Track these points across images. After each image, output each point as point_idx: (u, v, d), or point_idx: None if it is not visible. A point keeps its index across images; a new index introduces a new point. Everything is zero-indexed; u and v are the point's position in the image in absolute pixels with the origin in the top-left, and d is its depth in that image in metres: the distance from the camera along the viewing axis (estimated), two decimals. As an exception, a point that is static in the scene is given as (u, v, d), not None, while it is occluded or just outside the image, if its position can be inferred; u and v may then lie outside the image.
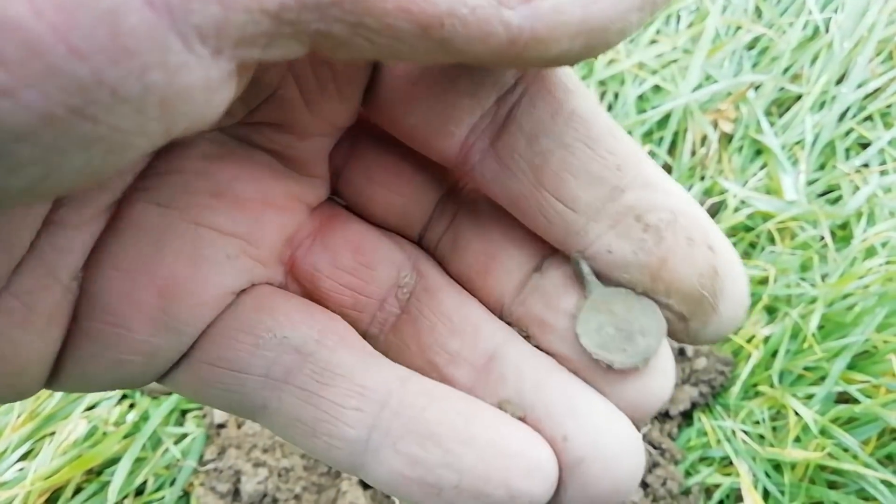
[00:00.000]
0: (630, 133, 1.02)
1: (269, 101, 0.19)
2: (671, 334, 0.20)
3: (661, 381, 0.20)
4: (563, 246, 0.21)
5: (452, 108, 0.20)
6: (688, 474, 0.76)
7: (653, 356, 0.20)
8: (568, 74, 0.20)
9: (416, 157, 0.23)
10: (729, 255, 0.19)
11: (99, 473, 0.74)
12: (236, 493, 0.73)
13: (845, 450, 0.71)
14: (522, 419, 0.20)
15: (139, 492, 0.74)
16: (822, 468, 0.72)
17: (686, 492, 0.75)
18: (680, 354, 0.82)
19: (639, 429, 0.20)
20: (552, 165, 0.19)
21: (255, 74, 0.18)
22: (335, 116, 0.21)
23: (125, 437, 0.75)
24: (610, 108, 1.08)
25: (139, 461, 0.74)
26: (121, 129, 0.12)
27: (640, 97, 1.08)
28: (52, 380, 0.19)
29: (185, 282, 0.20)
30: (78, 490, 0.72)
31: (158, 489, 0.74)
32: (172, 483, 0.74)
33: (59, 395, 0.78)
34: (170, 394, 0.81)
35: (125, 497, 0.72)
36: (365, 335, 0.22)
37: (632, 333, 0.20)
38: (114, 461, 0.73)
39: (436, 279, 0.23)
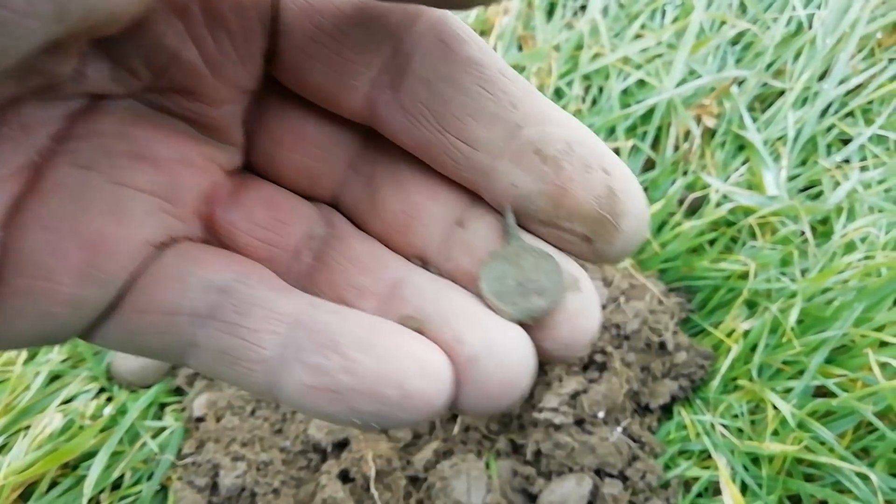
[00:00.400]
0: (614, 128, 1.02)
1: (172, 65, 0.21)
2: (580, 256, 0.22)
3: (583, 322, 0.22)
4: (475, 187, 0.22)
5: (351, 63, 0.22)
6: (667, 468, 0.76)
7: (542, 316, 0.22)
8: (461, 25, 0.21)
9: (322, 120, 0.24)
10: (624, 176, 0.21)
11: (75, 468, 0.73)
12: (214, 486, 0.72)
13: (822, 443, 0.71)
14: (420, 331, 0.21)
15: (116, 486, 0.73)
16: (800, 461, 0.72)
17: (665, 485, 0.75)
18: (660, 349, 0.82)
19: (568, 363, 0.21)
20: (452, 109, 0.21)
21: (153, 35, 0.19)
22: (239, 79, 0.22)
23: (102, 430, 0.74)
24: (595, 102, 1.08)
25: (116, 455, 0.73)
26: (9, 6, 0.12)
27: (625, 92, 1.08)
28: None
29: (108, 236, 0.21)
30: (53, 484, 0.72)
31: (135, 483, 0.73)
32: (150, 477, 0.73)
33: (35, 388, 0.77)
34: (148, 387, 0.80)
35: (101, 491, 0.72)
36: None
37: (529, 291, 0.21)
38: (90, 455, 0.73)
39: (347, 229, 0.25)
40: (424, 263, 0.24)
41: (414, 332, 0.21)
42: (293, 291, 0.23)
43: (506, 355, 0.20)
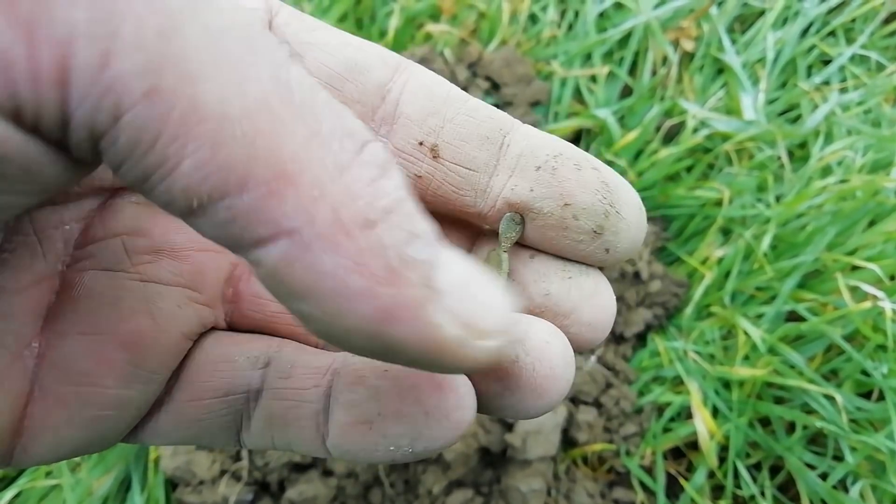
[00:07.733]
0: (590, 54, 0.99)
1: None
2: (594, 259, 0.23)
3: (599, 300, 0.23)
4: (475, 211, 0.24)
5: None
6: (640, 394, 0.78)
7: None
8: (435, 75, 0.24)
9: None
10: (612, 172, 0.23)
11: None
12: None
13: (792, 367, 0.72)
14: None
15: None
16: (769, 385, 0.74)
17: (638, 410, 0.77)
18: (635, 278, 0.82)
19: (592, 349, 0.23)
20: (445, 137, 0.23)
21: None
22: None
23: None
24: (570, 27, 1.05)
25: None
26: None
27: (601, 15, 1.04)
28: (21, 453, 0.21)
29: (147, 334, 0.22)
30: None
31: None
32: None
33: None
34: None
35: None
36: None
37: None
38: None
39: None
40: None
41: None
42: (330, 351, 0.23)
43: (544, 350, 0.21)
